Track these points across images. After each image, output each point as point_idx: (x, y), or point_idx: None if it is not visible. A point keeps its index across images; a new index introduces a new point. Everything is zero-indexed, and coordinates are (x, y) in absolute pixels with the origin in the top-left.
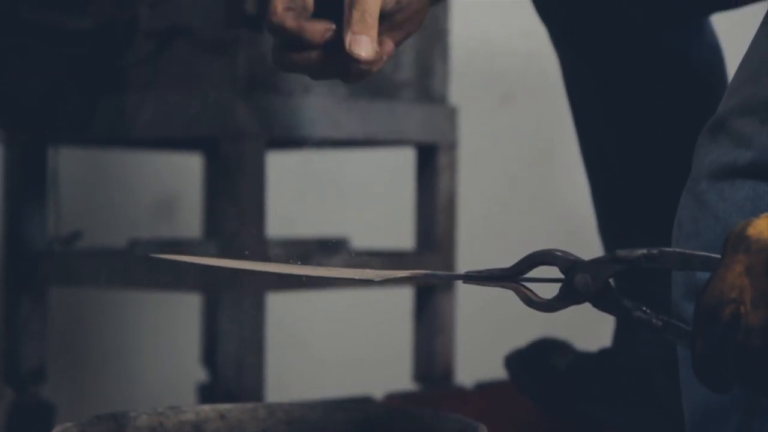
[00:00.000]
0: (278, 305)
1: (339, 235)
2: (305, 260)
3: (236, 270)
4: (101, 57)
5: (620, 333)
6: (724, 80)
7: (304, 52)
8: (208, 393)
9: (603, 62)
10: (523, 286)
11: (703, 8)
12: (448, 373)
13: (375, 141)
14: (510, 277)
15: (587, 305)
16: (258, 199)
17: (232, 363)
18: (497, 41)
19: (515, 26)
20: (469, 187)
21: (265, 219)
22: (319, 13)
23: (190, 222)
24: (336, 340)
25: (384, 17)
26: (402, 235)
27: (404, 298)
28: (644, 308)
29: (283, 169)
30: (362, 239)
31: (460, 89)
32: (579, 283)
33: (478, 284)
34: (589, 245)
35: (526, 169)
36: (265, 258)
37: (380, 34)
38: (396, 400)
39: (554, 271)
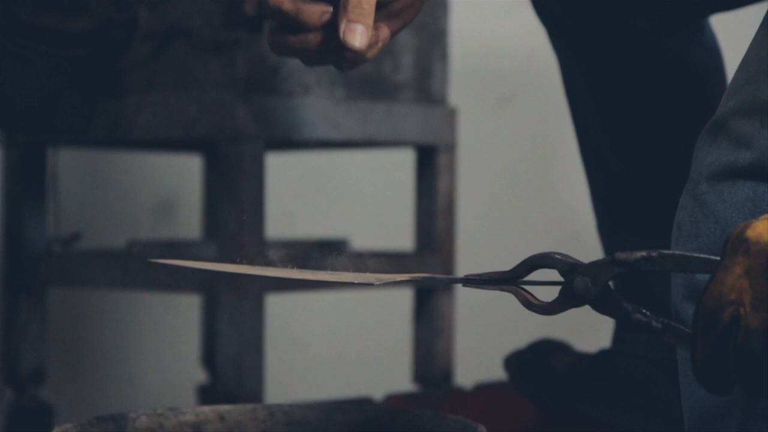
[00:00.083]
0: (278, 306)
1: (338, 237)
2: (305, 261)
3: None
4: (100, 59)
5: (619, 334)
6: (724, 81)
7: (300, 34)
8: (207, 394)
9: (602, 63)
10: (523, 289)
11: (702, 9)
12: (447, 374)
13: (374, 142)
14: (509, 280)
15: (586, 306)
16: (257, 201)
17: (232, 364)
18: (496, 42)
19: (514, 27)
20: (468, 188)
21: (264, 220)
22: None
23: (190, 223)
24: (335, 341)
25: (381, 5)
26: (401, 237)
27: (404, 299)
28: (644, 311)
29: (282, 171)
30: (362, 240)
31: (459, 90)
32: (579, 286)
33: (477, 288)
34: (588, 247)
35: (525, 170)
36: (265, 259)
37: (376, 21)
38: (395, 401)
39: (554, 274)
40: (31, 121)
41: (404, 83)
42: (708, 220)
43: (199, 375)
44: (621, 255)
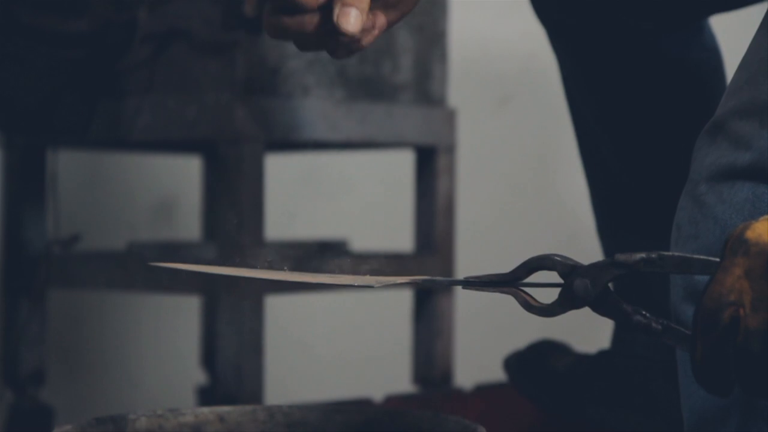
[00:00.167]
0: (277, 308)
1: (338, 238)
2: (305, 263)
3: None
4: (99, 60)
5: (619, 335)
6: (723, 82)
7: (297, 15)
8: (207, 395)
9: (602, 64)
10: (523, 291)
11: (702, 10)
12: (447, 375)
13: (374, 143)
14: (509, 282)
15: (586, 308)
16: (257, 202)
17: (232, 365)
18: (496, 43)
19: (514, 28)
20: (468, 190)
21: (264, 221)
22: None
23: (190, 224)
24: (335, 343)
25: None
26: (401, 238)
27: (403, 300)
28: (644, 312)
29: (282, 172)
30: (361, 242)
31: (458, 91)
32: (578, 287)
33: (477, 290)
34: (588, 248)
35: (525, 171)
36: (265, 261)
37: (373, 8)
38: (395, 402)
39: (553, 276)
40: (31, 122)
41: (404, 84)
42: (707, 221)
43: (198, 376)
44: (620, 257)
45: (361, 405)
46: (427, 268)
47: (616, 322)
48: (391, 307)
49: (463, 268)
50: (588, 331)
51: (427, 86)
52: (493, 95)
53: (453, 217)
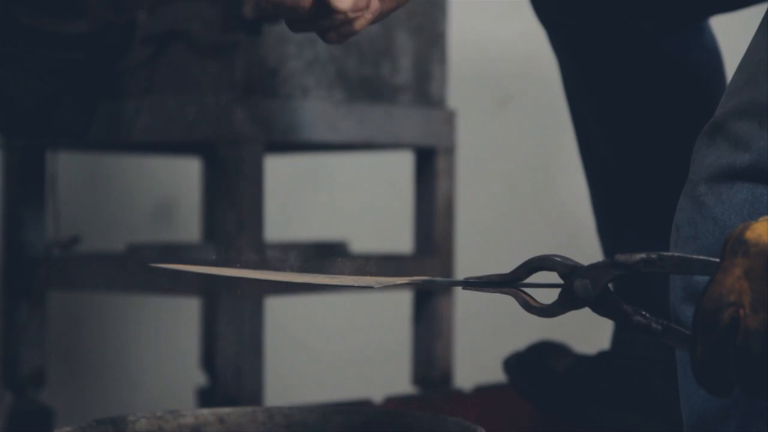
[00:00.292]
0: (277, 309)
1: (338, 239)
2: (305, 264)
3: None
4: (99, 62)
5: (619, 336)
6: (724, 83)
7: None
8: (207, 397)
9: (602, 64)
10: (523, 291)
11: (702, 11)
12: (447, 376)
13: (373, 144)
14: (509, 282)
15: (586, 308)
16: (256, 203)
17: (231, 367)
18: (495, 44)
19: (513, 29)
20: (467, 191)
21: (263, 222)
22: None
23: (189, 226)
24: (335, 344)
25: None
26: (401, 239)
27: (403, 301)
28: (644, 312)
29: (281, 173)
30: (361, 243)
31: (458, 93)
32: (578, 288)
33: (477, 290)
34: (588, 249)
35: (524, 172)
36: (264, 262)
37: None
38: (395, 403)
39: (553, 277)
40: (31, 124)
41: (403, 85)
42: (706, 222)
43: (198, 378)
44: (620, 257)
45: (361, 406)
46: (427, 269)
47: (616, 322)
48: (391, 308)
49: (463, 269)
50: (588, 332)
51: (426, 87)
52: (493, 96)
53: (453, 218)
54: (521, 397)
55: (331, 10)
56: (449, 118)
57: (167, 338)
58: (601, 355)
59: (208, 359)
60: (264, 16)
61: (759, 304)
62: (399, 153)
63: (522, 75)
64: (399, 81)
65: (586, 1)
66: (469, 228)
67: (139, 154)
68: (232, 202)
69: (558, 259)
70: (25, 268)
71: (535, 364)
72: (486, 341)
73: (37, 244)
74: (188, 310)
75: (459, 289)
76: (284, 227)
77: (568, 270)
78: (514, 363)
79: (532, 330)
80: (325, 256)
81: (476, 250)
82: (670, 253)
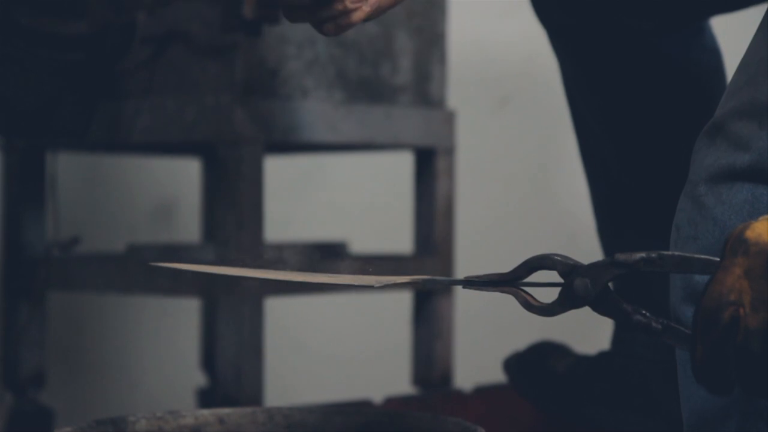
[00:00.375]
0: (277, 309)
1: (338, 239)
2: (305, 265)
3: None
4: (99, 62)
5: (619, 336)
6: (724, 83)
7: None
8: (207, 397)
9: (602, 64)
10: (523, 290)
11: (703, 11)
12: (447, 376)
13: (373, 145)
14: (509, 281)
15: (586, 308)
16: (256, 204)
17: (231, 367)
18: (495, 45)
19: (513, 30)
20: (467, 191)
21: (263, 223)
22: None
23: (189, 226)
24: (335, 344)
25: None
26: (400, 240)
27: (403, 301)
28: (644, 312)
29: (281, 173)
30: (361, 244)
31: (458, 93)
32: (578, 287)
33: (477, 289)
34: (587, 249)
35: (524, 172)
36: (265, 262)
37: None
38: (395, 403)
39: (554, 276)
40: (30, 125)
41: (403, 86)
42: (706, 222)
43: (198, 378)
44: (621, 256)
45: (361, 406)
46: (427, 269)
47: (616, 321)
48: (391, 308)
49: (463, 270)
50: (588, 332)
51: (426, 88)
52: (493, 96)
53: (452, 219)
54: (521, 397)
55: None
56: (449, 119)
57: (167, 339)
58: (601, 356)
59: (208, 360)
60: (264, 15)
61: (759, 304)
62: (399, 153)
63: (522, 75)
64: (399, 81)
65: (587, 2)
66: (469, 228)
67: (139, 154)
68: (232, 202)
69: (558, 258)
70: (25, 268)
71: (535, 365)
72: (486, 341)
73: (37, 244)
74: (188, 311)
75: (459, 290)
76: (284, 227)
77: (569, 269)
78: (514, 363)
79: (532, 330)
80: (325, 256)
81: (476, 250)
82: (670, 252)
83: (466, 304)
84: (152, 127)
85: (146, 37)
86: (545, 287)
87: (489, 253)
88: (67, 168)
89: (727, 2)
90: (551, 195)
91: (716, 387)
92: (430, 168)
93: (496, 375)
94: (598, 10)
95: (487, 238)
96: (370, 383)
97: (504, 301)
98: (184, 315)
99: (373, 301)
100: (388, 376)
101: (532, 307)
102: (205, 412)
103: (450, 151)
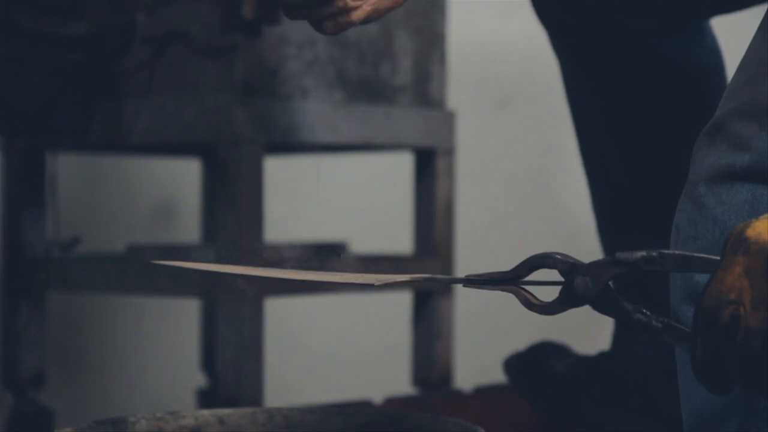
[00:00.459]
0: (277, 309)
1: (338, 239)
2: (305, 265)
3: (235, 275)
4: (98, 63)
5: (619, 336)
6: (724, 83)
7: None
8: (207, 398)
9: (603, 65)
10: (523, 289)
11: (703, 12)
12: (447, 376)
13: (373, 145)
14: (510, 280)
15: (587, 308)
16: (256, 204)
17: (231, 368)
18: (495, 45)
19: (513, 30)
20: (467, 191)
21: (263, 224)
22: None
23: (189, 227)
24: (335, 344)
25: None
26: (400, 240)
27: (403, 301)
28: (644, 310)
29: (281, 173)
30: (361, 244)
31: (457, 93)
32: (579, 285)
33: (478, 288)
34: (587, 249)
35: (524, 172)
36: (265, 262)
37: None
38: (395, 404)
39: (554, 274)
40: (30, 125)
41: (403, 86)
42: (706, 223)
43: (198, 379)
44: (621, 255)
45: (361, 407)
46: (427, 269)
47: (617, 320)
48: (391, 308)
49: (463, 270)
50: (588, 332)
51: (426, 88)
52: (493, 97)
53: (452, 219)
54: (521, 397)
55: None
56: (449, 119)
57: (167, 339)
58: (601, 356)
59: (208, 360)
60: (263, 16)
61: (759, 302)
62: (398, 154)
63: (522, 76)
64: (399, 82)
65: (587, 2)
66: (468, 228)
67: (139, 155)
68: (232, 202)
69: (559, 256)
70: (25, 269)
71: (535, 365)
72: (486, 341)
73: (37, 244)
74: (188, 311)
75: (459, 290)
76: (284, 227)
77: (569, 268)
78: (515, 363)
79: (532, 330)
80: (325, 256)
81: (476, 250)
82: (670, 251)
83: (466, 304)
84: (152, 128)
85: (146, 37)
86: (546, 286)
87: (489, 253)
88: (67, 168)
89: (727, 2)
90: (551, 195)
91: (716, 386)
92: (430, 168)
93: (496, 375)
94: (598, 10)
95: (487, 238)
96: (370, 383)
97: (504, 302)
98: (184, 315)
99: (373, 301)
100: (388, 376)
101: (533, 305)
102: (205, 413)
103: (450, 151)
